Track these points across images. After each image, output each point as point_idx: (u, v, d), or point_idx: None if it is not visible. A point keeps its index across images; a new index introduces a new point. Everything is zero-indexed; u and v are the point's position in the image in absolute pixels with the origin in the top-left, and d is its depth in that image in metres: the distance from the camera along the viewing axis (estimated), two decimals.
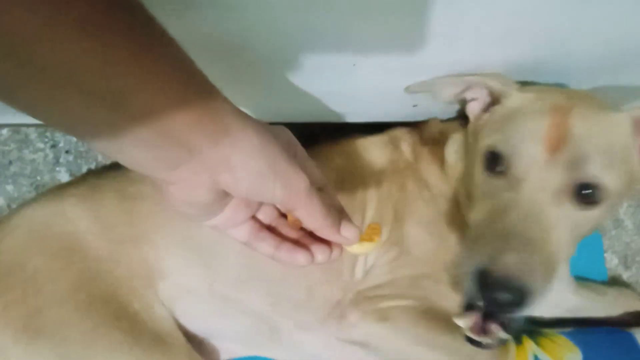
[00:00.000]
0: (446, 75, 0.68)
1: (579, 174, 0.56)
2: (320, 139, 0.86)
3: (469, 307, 0.63)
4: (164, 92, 0.32)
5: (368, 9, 0.51)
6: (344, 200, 0.75)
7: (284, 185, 0.41)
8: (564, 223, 0.57)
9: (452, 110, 0.83)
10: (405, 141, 0.83)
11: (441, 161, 0.79)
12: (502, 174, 0.61)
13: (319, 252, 0.49)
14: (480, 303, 0.58)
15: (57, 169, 0.88)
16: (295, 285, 0.76)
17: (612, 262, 1.09)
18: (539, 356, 0.86)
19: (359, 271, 0.78)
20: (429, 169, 0.79)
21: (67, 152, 0.89)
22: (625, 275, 1.09)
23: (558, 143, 0.57)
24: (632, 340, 0.90)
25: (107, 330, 0.67)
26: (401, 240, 0.77)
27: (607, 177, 0.56)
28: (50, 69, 0.27)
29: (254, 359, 0.84)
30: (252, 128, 0.39)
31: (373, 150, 0.83)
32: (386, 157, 0.82)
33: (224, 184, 0.40)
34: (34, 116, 0.31)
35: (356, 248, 0.51)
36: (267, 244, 0.49)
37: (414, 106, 0.80)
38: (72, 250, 0.70)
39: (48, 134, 0.88)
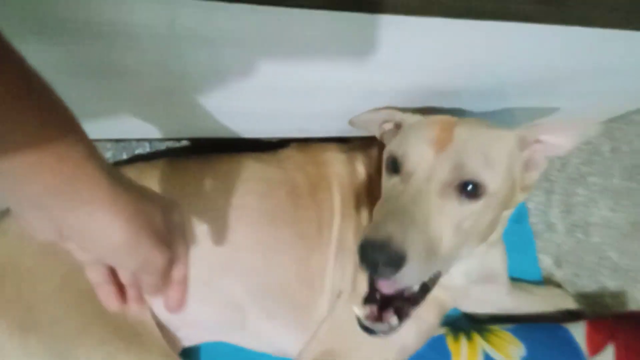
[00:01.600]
0: (370, 110, 0.79)
1: (461, 172, 0.63)
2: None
3: (367, 300, 0.67)
4: (19, 149, 0.32)
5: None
6: (315, 210, 0.84)
7: (141, 261, 0.43)
8: (447, 213, 0.62)
9: None
10: (361, 162, 0.90)
11: None
12: (398, 173, 0.68)
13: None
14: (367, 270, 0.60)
15: None
16: (272, 278, 0.81)
17: (545, 263, 1.18)
18: (488, 351, 0.94)
19: (327, 284, 0.84)
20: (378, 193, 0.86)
21: None
22: (558, 275, 1.18)
23: (443, 145, 0.64)
24: (568, 334, 0.99)
25: (93, 325, 0.71)
26: (355, 276, 0.83)
27: (485, 176, 0.63)
28: None
29: (216, 344, 0.90)
30: (123, 202, 0.39)
31: (337, 166, 0.89)
32: (347, 176, 0.88)
33: (75, 242, 0.40)
34: None
35: None
36: (95, 274, 0.50)
37: None
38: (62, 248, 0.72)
39: None
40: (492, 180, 0.63)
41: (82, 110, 0.43)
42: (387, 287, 0.65)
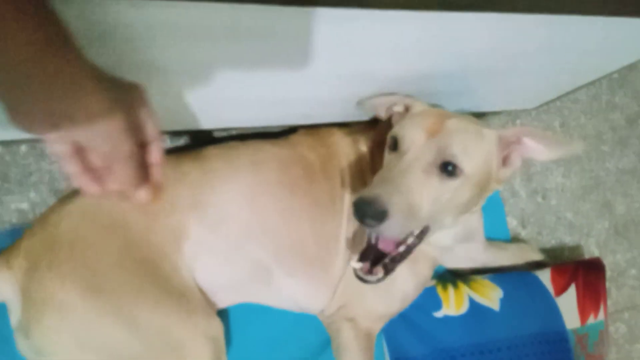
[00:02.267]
0: (380, 94, 0.92)
1: (443, 154, 0.78)
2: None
3: (362, 257, 0.83)
4: (28, 51, 0.39)
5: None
6: (327, 183, 0.98)
7: (112, 146, 0.51)
8: (429, 188, 0.76)
9: None
10: (364, 143, 1.04)
11: None
12: (396, 151, 0.83)
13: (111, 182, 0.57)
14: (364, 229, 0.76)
15: None
16: (292, 240, 0.94)
17: (512, 224, 1.36)
18: (472, 295, 1.12)
19: (341, 246, 0.98)
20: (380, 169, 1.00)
21: None
22: (523, 233, 1.37)
23: (434, 132, 0.80)
24: (536, 279, 1.17)
25: (149, 287, 0.82)
26: None
27: (462, 160, 0.77)
28: None
29: (245, 305, 1.02)
30: (105, 95, 0.46)
31: (344, 147, 1.03)
32: (353, 155, 1.02)
33: (63, 127, 0.47)
34: None
35: None
36: (72, 166, 0.54)
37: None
38: (118, 225, 0.84)
39: None
40: (468, 165, 0.78)
41: None
42: (383, 244, 0.82)
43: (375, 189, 0.73)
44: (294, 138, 1.05)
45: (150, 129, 0.57)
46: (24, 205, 0.98)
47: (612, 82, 1.54)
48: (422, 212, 0.76)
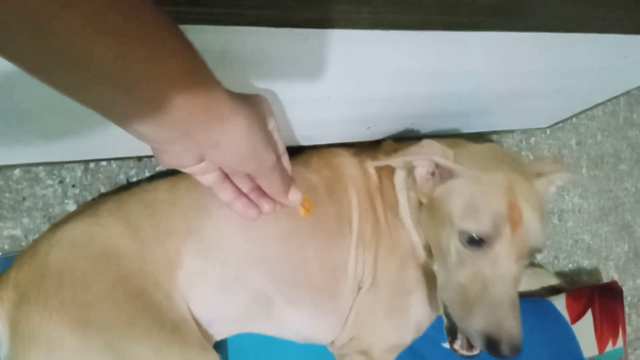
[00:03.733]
0: (400, 155, 0.86)
1: (533, 250, 0.78)
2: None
3: (450, 333, 0.83)
4: (169, 84, 0.38)
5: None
6: (333, 206, 0.93)
7: (257, 163, 0.49)
8: (520, 275, 0.78)
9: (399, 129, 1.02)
10: (371, 165, 0.99)
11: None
12: (477, 248, 0.79)
13: (266, 204, 0.60)
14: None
15: (66, 201, 0.97)
16: (295, 267, 0.90)
17: None
18: None
19: (350, 273, 0.94)
20: (390, 194, 0.96)
21: (73, 186, 0.98)
22: (539, 257, 1.31)
23: (517, 224, 0.78)
24: (551, 306, 1.12)
25: (140, 320, 0.78)
26: (374, 268, 0.94)
27: (543, 242, 0.79)
28: (74, 59, 0.32)
29: (244, 335, 0.96)
30: (242, 115, 0.45)
31: (350, 169, 0.98)
32: (359, 177, 0.97)
33: (209, 157, 0.47)
34: (65, 94, 0.36)
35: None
36: (227, 193, 0.56)
37: (368, 128, 0.99)
38: (110, 254, 0.80)
39: (55, 171, 0.97)
40: (545, 241, 0.79)
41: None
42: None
43: (509, 328, 0.74)
44: (296, 159, 1.01)
45: (279, 139, 0.57)
46: (17, 232, 0.96)
47: (630, 99, 1.49)
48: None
